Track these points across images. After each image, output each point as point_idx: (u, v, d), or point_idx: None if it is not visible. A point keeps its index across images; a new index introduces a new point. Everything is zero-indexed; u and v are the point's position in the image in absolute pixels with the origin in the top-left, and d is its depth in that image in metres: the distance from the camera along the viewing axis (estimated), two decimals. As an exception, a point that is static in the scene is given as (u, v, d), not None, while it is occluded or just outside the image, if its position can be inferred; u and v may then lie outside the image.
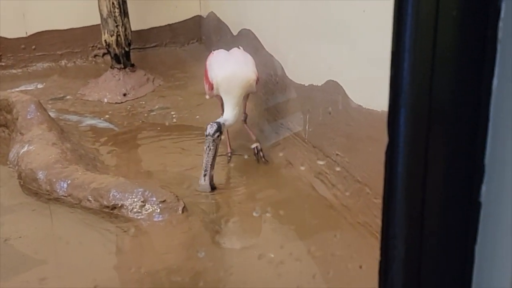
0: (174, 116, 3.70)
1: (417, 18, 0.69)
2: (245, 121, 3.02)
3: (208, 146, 2.56)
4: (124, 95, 4.11)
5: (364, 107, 2.07)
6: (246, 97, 2.96)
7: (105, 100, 4.03)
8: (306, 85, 2.66)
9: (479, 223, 0.74)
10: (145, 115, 3.76)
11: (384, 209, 0.79)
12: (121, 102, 4.02)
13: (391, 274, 0.80)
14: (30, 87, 4.25)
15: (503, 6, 0.66)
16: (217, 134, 2.58)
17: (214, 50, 3.10)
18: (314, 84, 2.55)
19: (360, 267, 1.68)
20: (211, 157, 2.55)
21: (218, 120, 2.69)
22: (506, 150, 0.70)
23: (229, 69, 2.82)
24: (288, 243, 2.01)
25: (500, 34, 0.68)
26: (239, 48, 3.07)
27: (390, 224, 0.79)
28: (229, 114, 2.72)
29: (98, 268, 1.92)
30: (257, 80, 2.87)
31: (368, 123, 1.99)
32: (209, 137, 2.58)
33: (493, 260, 0.74)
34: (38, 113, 2.89)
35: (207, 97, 3.10)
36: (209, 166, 2.53)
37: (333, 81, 2.35)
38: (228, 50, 3.06)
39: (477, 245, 0.75)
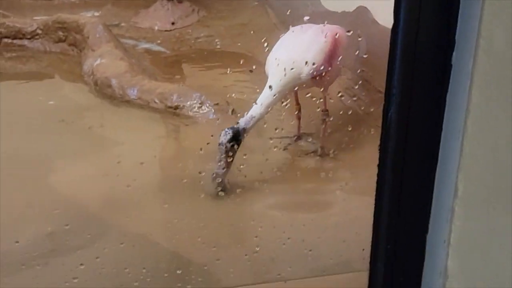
0: (218, 43, 4.13)
1: None
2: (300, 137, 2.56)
3: (221, 156, 2.15)
4: (172, 23, 4.54)
5: (387, 27, 2.42)
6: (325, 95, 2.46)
7: (156, 27, 4.48)
8: (339, 12, 3.01)
9: (450, 79, 1.15)
10: (192, 41, 4.21)
11: (389, 67, 1.20)
12: (170, 30, 4.46)
13: (390, 113, 1.22)
14: (88, 14, 4.70)
15: None
16: (231, 143, 2.17)
17: (292, 26, 2.69)
18: (346, 11, 2.91)
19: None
20: (223, 167, 2.16)
21: (240, 122, 2.27)
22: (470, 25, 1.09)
23: (283, 53, 2.41)
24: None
25: None
26: (322, 30, 2.50)
27: (391, 78, 1.20)
28: (261, 105, 2.30)
29: (164, 147, 2.46)
30: (318, 72, 2.36)
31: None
32: (221, 146, 2.16)
33: (456, 101, 1.15)
34: (105, 33, 3.36)
35: None
36: (220, 173, 2.15)
37: (363, 6, 2.71)
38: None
39: (448, 94, 1.16)
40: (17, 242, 1.70)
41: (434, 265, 1.20)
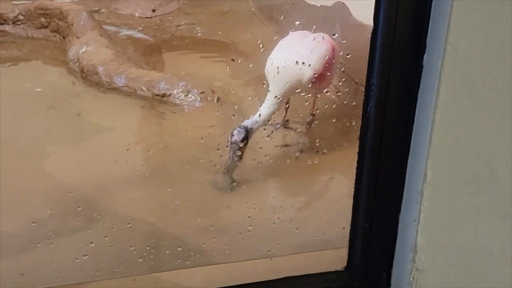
0: (199, 31, 4.22)
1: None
2: (285, 125, 2.69)
3: (234, 154, 2.29)
4: (153, 10, 4.60)
5: (364, 23, 2.60)
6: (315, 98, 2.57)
7: (137, 14, 4.53)
8: (318, 5, 3.14)
9: (421, 78, 1.30)
10: (174, 29, 4.28)
11: (368, 67, 1.35)
12: (151, 17, 4.53)
13: (369, 106, 1.36)
14: (67, 0, 4.69)
15: None
16: (244, 142, 2.31)
17: (292, 31, 2.71)
18: (325, 5, 3.05)
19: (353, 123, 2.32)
20: (236, 163, 2.32)
21: (247, 122, 2.37)
22: (439, 32, 1.24)
23: (282, 57, 2.43)
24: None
25: None
26: (323, 37, 2.57)
27: (371, 76, 1.35)
28: (265, 111, 2.40)
29: (153, 133, 2.57)
30: (317, 79, 2.44)
31: (367, 35, 2.46)
32: (234, 144, 2.29)
33: (426, 97, 1.29)
34: (90, 21, 3.43)
35: None
36: (232, 168, 2.31)
37: (341, 2, 2.86)
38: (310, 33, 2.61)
39: (419, 91, 1.31)
40: (34, 222, 1.82)
41: (405, 242, 1.36)
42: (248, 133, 2.33)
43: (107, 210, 1.93)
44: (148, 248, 1.73)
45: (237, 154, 2.29)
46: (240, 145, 2.29)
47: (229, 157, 2.30)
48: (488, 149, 1.28)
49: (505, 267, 1.37)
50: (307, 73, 2.41)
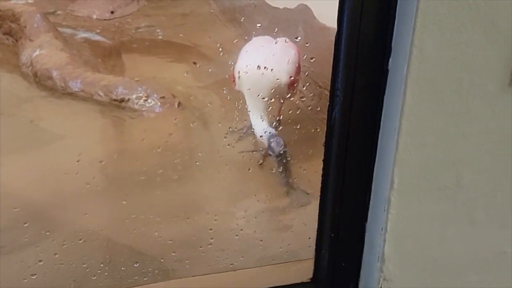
0: (159, 33, 4.12)
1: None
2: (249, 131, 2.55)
3: (284, 165, 2.20)
4: (112, 12, 4.47)
5: (327, 25, 2.58)
6: (280, 103, 2.51)
7: (94, 16, 4.39)
8: (281, 8, 3.10)
9: (387, 83, 1.27)
10: (133, 31, 4.17)
11: (333, 71, 1.31)
12: (109, 19, 4.40)
13: (334, 112, 1.33)
14: (21, 1, 4.52)
15: None
16: (285, 149, 2.21)
17: (255, 36, 2.61)
18: (288, 7, 3.02)
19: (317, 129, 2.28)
20: (289, 172, 2.23)
21: (269, 130, 2.29)
22: (405, 35, 1.21)
23: (255, 64, 2.31)
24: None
25: None
26: (286, 41, 2.48)
27: (335, 82, 1.31)
28: (258, 126, 2.31)
29: (110, 141, 2.47)
30: (291, 83, 2.38)
31: (330, 38, 2.44)
32: (279, 156, 2.19)
33: (392, 102, 1.27)
34: (44, 23, 3.28)
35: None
36: (291, 179, 2.23)
37: (304, 4, 2.83)
38: (273, 38, 2.53)
39: (385, 96, 1.28)
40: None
41: (372, 251, 1.32)
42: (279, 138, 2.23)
43: (57, 226, 1.83)
44: (102, 265, 1.64)
45: (285, 163, 2.18)
46: (284, 153, 2.19)
47: (281, 170, 2.19)
48: (455, 155, 1.26)
49: (472, 274, 1.35)
50: (283, 77, 2.34)
